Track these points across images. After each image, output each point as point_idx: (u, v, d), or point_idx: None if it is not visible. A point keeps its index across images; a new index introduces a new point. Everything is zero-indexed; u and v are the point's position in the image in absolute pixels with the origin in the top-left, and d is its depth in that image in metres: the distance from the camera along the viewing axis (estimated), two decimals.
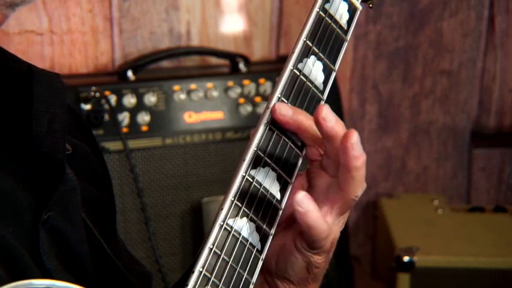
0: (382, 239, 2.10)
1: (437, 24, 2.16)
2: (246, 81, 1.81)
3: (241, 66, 1.87)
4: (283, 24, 2.01)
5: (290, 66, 0.87)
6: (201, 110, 1.77)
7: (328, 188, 0.85)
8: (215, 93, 1.78)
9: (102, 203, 0.96)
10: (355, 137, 0.79)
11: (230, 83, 1.79)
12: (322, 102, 0.89)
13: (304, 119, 0.84)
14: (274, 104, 0.84)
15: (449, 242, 1.93)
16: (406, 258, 1.86)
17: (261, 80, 1.81)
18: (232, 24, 1.98)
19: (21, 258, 0.78)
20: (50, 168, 0.83)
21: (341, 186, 0.82)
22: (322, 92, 0.89)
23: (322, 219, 0.81)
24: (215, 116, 1.79)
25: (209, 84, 1.78)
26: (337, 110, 1.89)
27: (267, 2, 1.99)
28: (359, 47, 2.13)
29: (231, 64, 1.89)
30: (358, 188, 0.82)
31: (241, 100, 1.80)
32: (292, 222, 0.87)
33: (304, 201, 0.80)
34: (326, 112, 0.81)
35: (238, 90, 1.79)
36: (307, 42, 0.88)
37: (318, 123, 0.81)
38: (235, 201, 0.82)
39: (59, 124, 0.84)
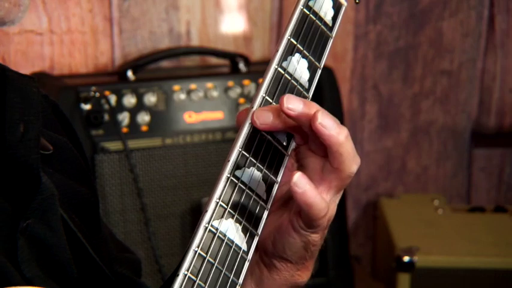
0: (382, 239, 2.10)
1: (437, 24, 2.16)
2: (246, 81, 1.81)
3: (241, 66, 1.87)
4: (283, 24, 2.01)
5: (274, 64, 0.86)
6: (201, 110, 1.77)
7: (322, 168, 0.84)
8: (215, 93, 1.78)
9: (85, 197, 0.95)
10: (319, 117, 0.79)
11: (230, 83, 1.79)
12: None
13: (283, 117, 0.83)
14: (252, 113, 0.83)
15: (449, 242, 1.93)
16: (406, 258, 1.86)
17: (261, 80, 1.80)
18: (232, 24, 1.98)
19: (2, 266, 0.77)
20: (25, 176, 0.82)
21: (334, 166, 0.82)
22: (308, 90, 0.88)
23: (320, 197, 0.81)
24: (215, 116, 1.79)
25: (209, 84, 1.78)
26: (337, 110, 1.89)
27: (267, 2, 1.99)
28: (359, 47, 2.13)
29: (231, 64, 1.89)
30: (351, 163, 0.82)
31: (241, 100, 1.80)
32: (286, 203, 0.87)
33: (301, 181, 0.79)
34: (288, 101, 0.80)
35: (238, 90, 1.79)
36: (291, 40, 0.87)
37: (285, 114, 0.81)
38: (220, 202, 0.81)
39: (33, 132, 0.83)
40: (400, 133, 2.23)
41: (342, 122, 2.11)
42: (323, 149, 0.83)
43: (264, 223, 0.84)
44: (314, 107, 0.81)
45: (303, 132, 0.85)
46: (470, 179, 2.29)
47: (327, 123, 0.80)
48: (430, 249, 1.89)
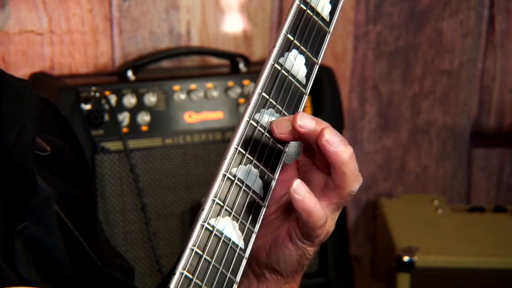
0: (382, 239, 2.10)
1: (437, 24, 2.16)
2: (246, 81, 1.81)
3: (241, 66, 1.87)
4: None
5: (271, 61, 0.86)
6: (201, 110, 1.77)
7: (324, 185, 0.85)
8: (215, 93, 1.78)
9: (81, 202, 0.95)
10: (327, 134, 0.80)
11: (230, 83, 1.79)
12: (305, 97, 0.89)
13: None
14: (271, 122, 0.84)
15: (449, 242, 1.93)
16: (406, 258, 1.86)
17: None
18: (232, 24, 1.98)
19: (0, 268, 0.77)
20: (21, 179, 0.82)
21: (336, 183, 0.82)
22: (305, 86, 0.88)
23: (320, 205, 0.81)
24: (215, 116, 1.79)
25: (209, 84, 1.78)
26: (337, 110, 1.89)
27: (267, 2, 1.99)
28: (359, 47, 2.13)
29: (231, 64, 1.89)
30: (353, 182, 0.82)
31: (241, 100, 1.80)
32: (285, 214, 0.87)
33: (300, 188, 0.80)
34: (301, 119, 0.82)
35: (238, 90, 1.79)
36: (288, 36, 0.87)
37: (296, 131, 0.82)
38: (216, 200, 0.81)
39: (28, 135, 0.84)
40: (400, 133, 2.23)
41: (342, 122, 2.11)
42: (328, 166, 0.83)
43: (260, 232, 0.84)
44: (323, 125, 0.82)
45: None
46: (470, 179, 2.29)
47: (333, 141, 0.80)
48: (430, 249, 1.89)
